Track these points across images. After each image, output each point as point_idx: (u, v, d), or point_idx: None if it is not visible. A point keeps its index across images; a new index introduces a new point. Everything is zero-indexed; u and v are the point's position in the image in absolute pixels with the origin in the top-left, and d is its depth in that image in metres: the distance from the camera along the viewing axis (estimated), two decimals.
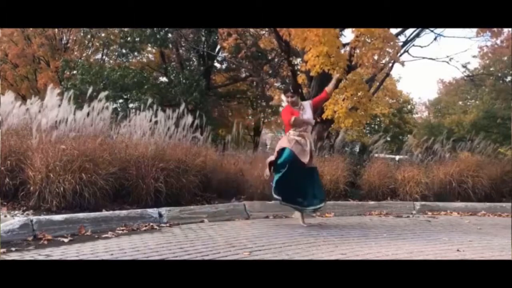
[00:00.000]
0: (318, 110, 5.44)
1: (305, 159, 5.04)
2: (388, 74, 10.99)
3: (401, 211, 6.74)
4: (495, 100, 18.77)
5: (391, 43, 7.97)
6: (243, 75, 16.56)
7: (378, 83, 11.21)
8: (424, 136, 9.92)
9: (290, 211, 5.99)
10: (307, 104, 5.28)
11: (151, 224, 4.82)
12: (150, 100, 6.55)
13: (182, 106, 6.66)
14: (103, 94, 6.00)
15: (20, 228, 3.94)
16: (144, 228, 4.68)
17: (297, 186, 5.10)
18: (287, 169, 5.03)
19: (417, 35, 9.84)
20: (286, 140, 5.13)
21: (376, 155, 8.30)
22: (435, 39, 10.33)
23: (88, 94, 6.19)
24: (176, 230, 4.70)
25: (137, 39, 13.23)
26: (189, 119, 6.59)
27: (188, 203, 5.83)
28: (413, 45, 10.06)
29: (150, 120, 6.24)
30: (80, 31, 16.01)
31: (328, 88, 5.40)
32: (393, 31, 8.58)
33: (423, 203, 7.08)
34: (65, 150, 5.14)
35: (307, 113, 5.20)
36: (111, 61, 16.83)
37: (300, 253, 3.83)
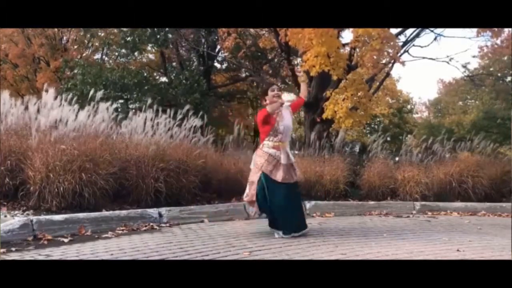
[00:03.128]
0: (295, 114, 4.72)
1: (278, 177, 4.41)
2: (388, 74, 10.99)
3: (401, 211, 6.75)
4: (495, 100, 18.77)
5: (391, 43, 7.98)
6: (243, 75, 16.55)
7: (378, 83, 11.21)
8: (424, 136, 9.92)
9: None
10: (286, 109, 4.61)
11: (151, 224, 4.83)
12: (150, 100, 6.54)
13: (187, 107, 6.67)
14: (101, 94, 6.01)
15: (20, 228, 3.94)
16: (144, 228, 4.68)
17: (272, 209, 4.50)
18: (261, 196, 4.48)
19: (417, 35, 9.84)
20: (260, 155, 4.52)
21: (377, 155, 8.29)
22: (435, 39, 10.34)
23: (90, 96, 6.18)
24: (176, 230, 4.70)
25: (137, 39, 13.22)
26: (190, 119, 6.60)
27: (188, 203, 5.84)
28: (413, 45, 10.08)
29: (151, 120, 6.24)
30: (80, 31, 16.01)
31: (303, 94, 4.92)
32: (393, 31, 8.59)
33: (423, 203, 7.08)
34: (65, 150, 5.14)
35: (285, 120, 4.54)
36: (110, 61, 16.83)
37: (300, 253, 3.82)
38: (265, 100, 4.59)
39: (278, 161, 4.44)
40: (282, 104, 4.51)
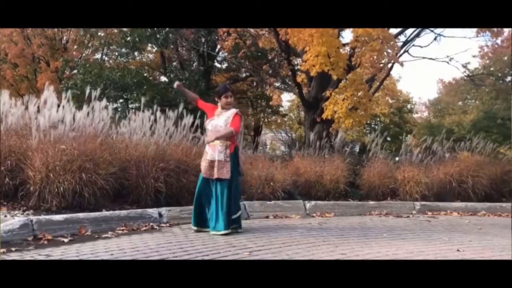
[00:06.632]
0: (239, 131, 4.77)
1: (204, 172, 4.62)
2: (388, 74, 11.00)
3: (401, 211, 6.75)
4: (495, 100, 18.75)
5: (391, 43, 7.98)
6: (243, 75, 16.56)
7: (378, 83, 11.22)
8: (424, 136, 9.92)
9: (290, 211, 6.00)
10: (230, 113, 4.65)
11: (151, 224, 4.83)
12: (144, 100, 6.52)
13: (181, 107, 6.65)
14: (101, 93, 5.99)
15: (20, 228, 3.94)
16: (144, 228, 4.68)
17: (205, 205, 4.71)
18: (197, 191, 4.74)
19: (417, 35, 9.86)
20: None
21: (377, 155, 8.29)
22: (435, 39, 10.36)
23: (87, 94, 6.17)
24: (176, 230, 4.70)
25: (138, 39, 13.22)
26: (189, 119, 6.59)
27: (188, 203, 5.82)
28: (413, 45, 10.10)
29: (150, 120, 6.24)
30: (79, 31, 16.00)
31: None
32: (393, 31, 8.60)
33: (423, 203, 7.08)
34: (65, 150, 5.14)
35: (218, 120, 4.66)
36: (111, 61, 16.83)
37: (300, 253, 3.82)
38: (218, 101, 4.75)
39: (205, 158, 4.68)
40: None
